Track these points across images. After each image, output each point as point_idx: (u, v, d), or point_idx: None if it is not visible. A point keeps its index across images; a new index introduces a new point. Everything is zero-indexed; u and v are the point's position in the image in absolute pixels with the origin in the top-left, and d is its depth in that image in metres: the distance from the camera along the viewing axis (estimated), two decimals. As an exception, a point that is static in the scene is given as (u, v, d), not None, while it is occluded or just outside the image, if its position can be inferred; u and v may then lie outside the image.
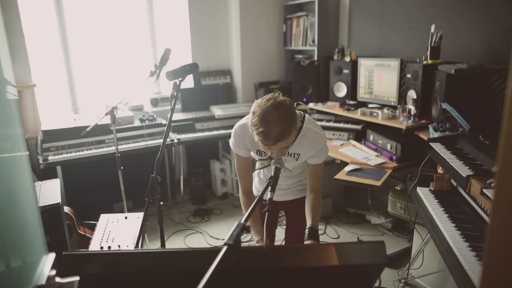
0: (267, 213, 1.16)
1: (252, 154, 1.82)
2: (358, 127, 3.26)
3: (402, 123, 2.81)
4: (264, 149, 1.59)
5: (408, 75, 2.88)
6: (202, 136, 3.78)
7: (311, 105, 3.71)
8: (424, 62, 2.72)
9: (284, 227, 2.12)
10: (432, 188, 2.14)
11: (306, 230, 1.66)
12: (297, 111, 1.64)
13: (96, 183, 3.44)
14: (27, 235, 1.06)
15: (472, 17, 2.69)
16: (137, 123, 3.55)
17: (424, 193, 2.10)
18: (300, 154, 1.73)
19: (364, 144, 3.11)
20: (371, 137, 3.05)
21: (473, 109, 2.33)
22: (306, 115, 1.73)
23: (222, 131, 3.86)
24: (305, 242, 1.61)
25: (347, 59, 3.50)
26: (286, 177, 1.88)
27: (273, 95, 1.50)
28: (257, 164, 1.91)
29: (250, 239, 3.11)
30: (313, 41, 3.92)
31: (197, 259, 0.98)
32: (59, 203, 2.20)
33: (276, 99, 1.47)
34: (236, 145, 1.74)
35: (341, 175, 2.66)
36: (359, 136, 3.26)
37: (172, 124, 3.69)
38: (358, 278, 1.04)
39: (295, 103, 3.79)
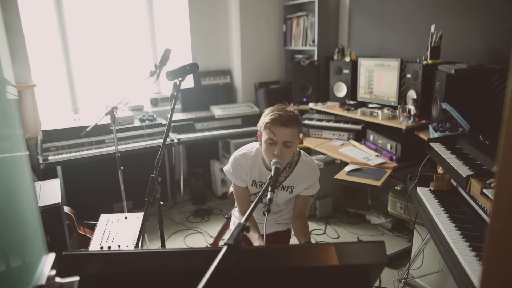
0: (267, 213, 1.16)
1: (248, 185, 1.84)
2: (358, 127, 3.26)
3: (402, 123, 2.81)
4: (266, 145, 1.60)
5: (408, 75, 2.87)
6: (202, 136, 3.78)
7: (311, 105, 3.71)
8: (424, 62, 2.72)
9: None
10: (432, 188, 2.14)
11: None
12: None
13: (96, 183, 3.44)
14: (27, 235, 1.06)
15: (472, 17, 2.69)
16: (137, 123, 3.55)
17: (424, 193, 2.10)
18: (294, 187, 1.78)
19: (364, 144, 3.11)
20: (371, 137, 3.05)
21: (473, 109, 2.32)
22: (302, 150, 1.83)
23: (222, 131, 3.86)
24: None
25: (347, 59, 3.50)
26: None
27: (281, 104, 1.69)
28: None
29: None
30: (313, 41, 3.92)
31: (197, 259, 0.98)
32: (59, 203, 2.20)
33: (284, 106, 1.66)
34: (233, 174, 1.78)
35: (341, 175, 2.66)
36: (359, 136, 3.26)
37: (172, 124, 3.69)
38: (358, 278, 1.04)
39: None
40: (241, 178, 1.78)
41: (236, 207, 1.99)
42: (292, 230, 2.04)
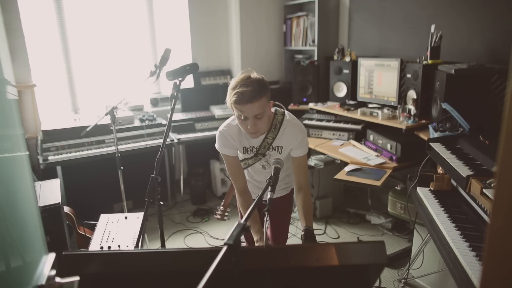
0: (267, 212, 1.16)
1: (238, 153, 1.86)
2: (358, 127, 3.26)
3: (402, 123, 2.81)
4: (239, 121, 1.63)
5: (408, 75, 2.87)
6: (202, 136, 3.78)
7: (311, 105, 3.70)
8: (424, 62, 2.72)
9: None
10: (432, 188, 2.14)
11: (302, 233, 1.68)
12: (278, 108, 1.81)
13: (96, 183, 3.44)
14: (27, 235, 1.06)
15: (472, 17, 2.69)
16: (137, 123, 3.55)
17: (424, 193, 2.10)
18: (282, 147, 1.81)
19: (364, 144, 3.11)
20: (371, 137, 3.05)
21: (473, 109, 2.32)
22: (286, 111, 1.84)
23: (222, 131, 3.85)
24: None
25: (347, 59, 3.50)
26: (270, 174, 1.90)
27: (246, 70, 1.65)
28: (241, 164, 1.93)
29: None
30: (313, 41, 3.92)
31: (197, 259, 0.98)
32: (59, 203, 2.20)
33: (249, 73, 1.63)
34: (223, 145, 1.80)
35: (341, 175, 2.66)
36: (359, 136, 3.26)
37: (172, 124, 3.69)
38: (358, 278, 1.04)
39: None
40: (232, 146, 1.80)
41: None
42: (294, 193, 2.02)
